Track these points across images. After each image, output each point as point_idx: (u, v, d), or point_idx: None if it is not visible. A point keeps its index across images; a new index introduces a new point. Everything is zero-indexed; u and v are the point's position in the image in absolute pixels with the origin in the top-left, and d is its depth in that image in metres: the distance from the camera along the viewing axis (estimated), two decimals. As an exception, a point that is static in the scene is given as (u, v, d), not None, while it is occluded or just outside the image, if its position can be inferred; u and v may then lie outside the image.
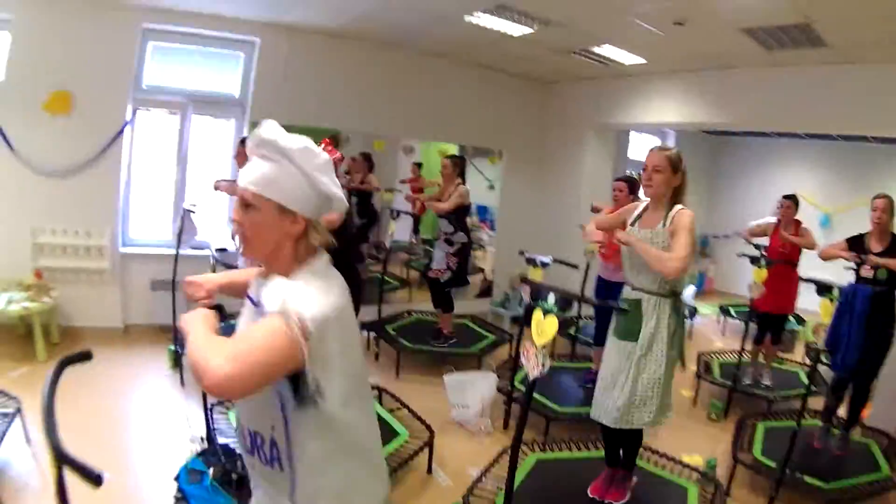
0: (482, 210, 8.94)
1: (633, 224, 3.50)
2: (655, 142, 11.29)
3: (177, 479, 3.47)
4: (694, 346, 7.67)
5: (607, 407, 3.49)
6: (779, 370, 6.36)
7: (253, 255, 1.68)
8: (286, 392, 1.50)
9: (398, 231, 7.08)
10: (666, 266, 3.15)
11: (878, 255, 4.45)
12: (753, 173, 11.69)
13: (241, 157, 5.59)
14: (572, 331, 6.88)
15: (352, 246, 4.09)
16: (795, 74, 5.91)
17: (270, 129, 1.61)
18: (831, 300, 3.87)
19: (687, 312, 8.67)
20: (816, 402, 5.45)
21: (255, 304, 1.65)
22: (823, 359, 4.44)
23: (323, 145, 3.84)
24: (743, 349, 5.84)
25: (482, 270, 8.87)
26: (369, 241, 7.61)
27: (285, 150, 1.58)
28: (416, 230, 8.29)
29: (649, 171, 3.33)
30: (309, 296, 1.51)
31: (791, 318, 7.15)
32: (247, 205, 1.61)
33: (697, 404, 5.90)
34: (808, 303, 5.27)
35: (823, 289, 3.91)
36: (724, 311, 9.21)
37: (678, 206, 3.33)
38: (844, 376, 4.64)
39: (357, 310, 4.07)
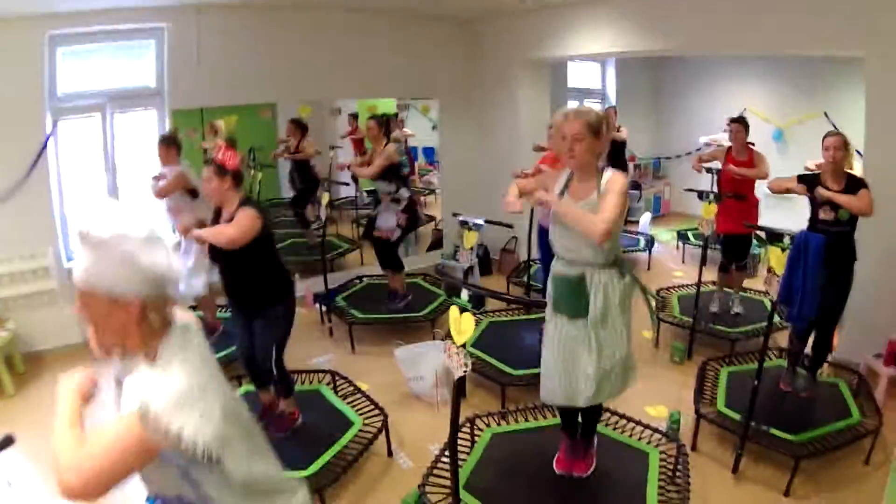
0: (429, 152, 8.63)
1: (560, 195, 3.16)
2: (595, 69, 11.04)
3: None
4: (653, 278, 7.55)
5: (573, 389, 3.24)
6: (744, 299, 6.14)
7: (103, 344, 1.64)
8: (184, 462, 1.53)
9: (343, 189, 7.24)
10: (592, 229, 2.85)
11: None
12: (700, 89, 11.36)
13: (162, 156, 5.28)
14: (525, 278, 6.62)
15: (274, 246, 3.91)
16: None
17: (86, 220, 1.51)
18: (783, 249, 3.59)
19: (643, 244, 8.57)
20: (781, 338, 5.35)
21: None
22: (779, 314, 4.25)
23: (221, 152, 3.59)
24: (700, 281, 5.53)
25: (433, 219, 8.61)
26: (313, 204, 7.36)
27: (99, 240, 1.50)
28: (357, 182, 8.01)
29: (570, 141, 2.98)
30: (173, 389, 1.48)
31: (754, 239, 6.88)
32: (82, 300, 1.56)
33: (660, 346, 5.72)
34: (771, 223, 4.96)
35: (773, 237, 3.62)
36: (683, 236, 8.98)
37: (609, 172, 3.04)
38: (804, 327, 4.42)
39: (293, 310, 3.93)
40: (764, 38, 5.52)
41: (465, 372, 2.54)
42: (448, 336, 2.61)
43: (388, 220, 6.03)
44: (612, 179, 2.99)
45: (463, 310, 2.46)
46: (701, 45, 6.40)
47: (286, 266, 3.98)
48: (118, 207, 1.56)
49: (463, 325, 2.46)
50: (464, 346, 2.50)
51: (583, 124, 2.95)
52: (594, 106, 11.04)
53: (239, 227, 3.44)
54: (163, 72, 6.11)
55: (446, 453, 3.61)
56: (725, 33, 5.77)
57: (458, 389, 2.68)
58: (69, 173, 6.00)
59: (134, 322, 1.54)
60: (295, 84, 6.85)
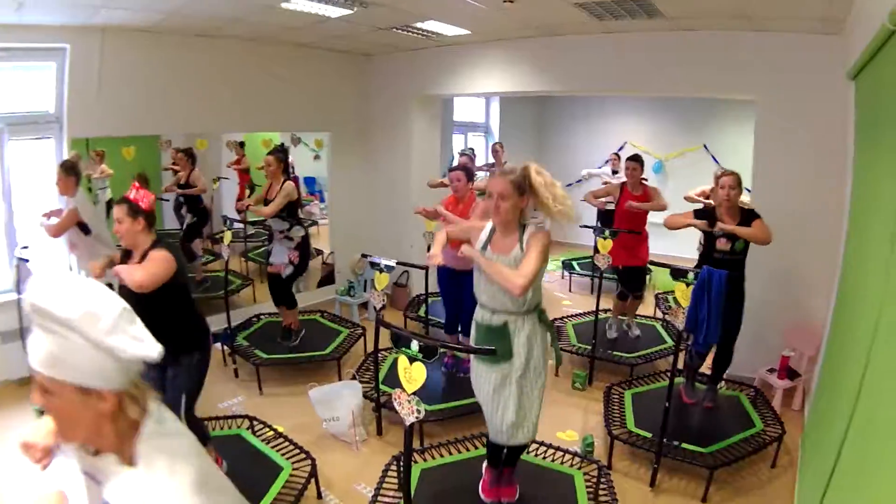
0: (310, 182, 8.60)
1: (483, 248, 3.30)
2: (479, 104, 11.33)
3: None
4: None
5: (498, 427, 3.37)
6: (639, 324, 6.53)
7: (72, 441, 1.44)
8: None
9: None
10: (511, 284, 2.99)
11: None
12: (582, 124, 11.95)
13: (61, 184, 5.04)
14: (422, 312, 6.62)
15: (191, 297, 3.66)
16: (626, 40, 5.88)
17: (43, 295, 1.29)
18: (687, 284, 3.89)
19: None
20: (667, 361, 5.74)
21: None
22: (687, 340, 4.59)
23: (133, 191, 3.41)
24: (598, 310, 5.80)
25: (321, 253, 8.51)
26: (203, 237, 7.23)
27: (65, 321, 1.28)
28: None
29: (496, 200, 3.13)
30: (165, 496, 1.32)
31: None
32: (44, 389, 1.33)
33: (560, 374, 5.95)
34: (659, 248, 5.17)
35: (678, 273, 3.92)
36: (568, 266, 9.25)
37: (532, 227, 3.20)
38: (706, 352, 4.78)
39: (207, 360, 3.68)
40: (662, 82, 5.95)
41: (417, 419, 2.61)
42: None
43: (280, 257, 5.97)
44: (536, 237, 3.14)
45: (413, 359, 2.55)
46: (596, 89, 6.76)
47: (200, 313, 3.75)
48: (76, 280, 1.35)
49: (414, 374, 2.54)
50: (414, 394, 2.58)
51: (509, 183, 3.10)
52: (478, 139, 11.36)
53: (146, 271, 3.22)
54: (62, 97, 5.74)
55: (381, 493, 3.71)
56: (622, 78, 6.13)
57: (408, 434, 2.75)
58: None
59: (109, 415, 1.36)
60: (191, 115, 6.64)
